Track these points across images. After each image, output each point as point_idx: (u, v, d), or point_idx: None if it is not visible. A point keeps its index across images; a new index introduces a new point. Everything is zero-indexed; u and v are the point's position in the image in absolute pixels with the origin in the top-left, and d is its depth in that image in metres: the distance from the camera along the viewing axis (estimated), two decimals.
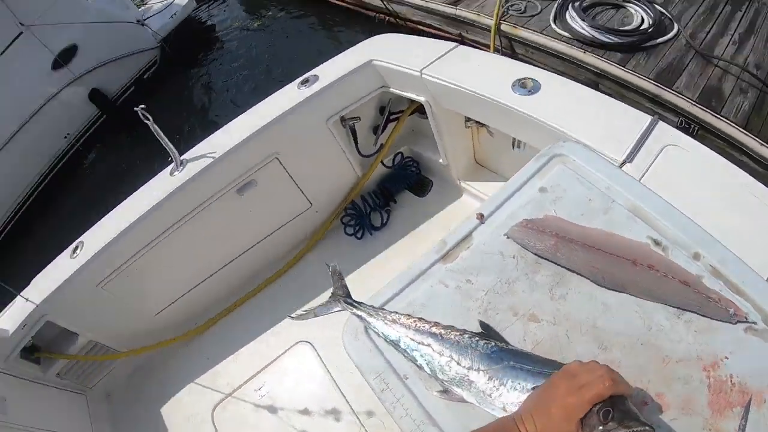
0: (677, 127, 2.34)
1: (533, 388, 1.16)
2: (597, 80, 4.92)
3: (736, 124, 4.22)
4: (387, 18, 7.11)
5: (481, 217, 1.51)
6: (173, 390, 3.25)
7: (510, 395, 1.19)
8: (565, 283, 1.41)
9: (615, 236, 1.47)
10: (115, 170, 9.35)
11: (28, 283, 3.00)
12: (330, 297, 1.55)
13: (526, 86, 2.25)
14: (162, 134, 2.74)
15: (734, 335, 1.37)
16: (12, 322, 2.85)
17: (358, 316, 1.43)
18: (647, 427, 1.00)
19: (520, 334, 1.34)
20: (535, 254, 1.44)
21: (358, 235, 3.23)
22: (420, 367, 1.31)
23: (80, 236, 3.02)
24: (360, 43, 2.95)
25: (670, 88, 4.51)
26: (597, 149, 1.83)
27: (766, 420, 1.28)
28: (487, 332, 1.32)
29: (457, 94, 2.41)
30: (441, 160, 3.06)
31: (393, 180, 3.30)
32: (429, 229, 3.13)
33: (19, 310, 2.88)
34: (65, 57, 9.14)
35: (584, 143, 1.81)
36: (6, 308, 3.02)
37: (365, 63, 2.72)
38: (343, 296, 1.51)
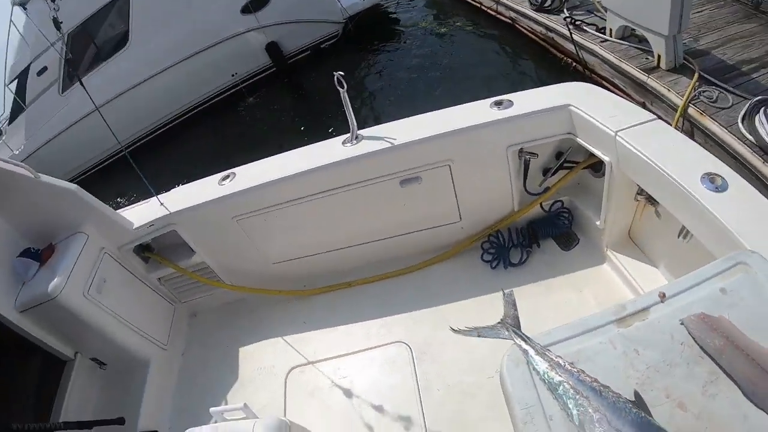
0: None
1: None
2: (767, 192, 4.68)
3: None
4: (574, 64, 7.01)
5: (663, 297, 1.54)
6: (258, 337, 3.40)
7: None
8: (718, 384, 1.42)
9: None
10: (270, 120, 9.79)
11: (164, 186, 3.28)
12: (499, 323, 1.59)
13: (714, 182, 2.22)
14: (349, 104, 2.87)
15: None
16: (140, 218, 3.09)
17: (523, 350, 1.47)
18: None
19: (666, 415, 1.36)
20: (702, 348, 1.45)
21: (493, 265, 3.25)
22: (569, 415, 1.35)
23: (229, 167, 3.23)
24: (560, 84, 2.98)
25: None
26: None
27: None
28: (639, 404, 1.34)
29: (643, 166, 2.40)
30: (598, 223, 3.03)
31: (543, 224, 3.30)
32: (562, 284, 3.08)
33: (151, 210, 3.11)
34: (256, 5, 9.72)
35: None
36: (140, 203, 3.29)
37: (562, 105, 2.74)
38: (513, 326, 1.56)
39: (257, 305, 3.58)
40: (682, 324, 1.49)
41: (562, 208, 3.30)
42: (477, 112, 2.88)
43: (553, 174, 3.12)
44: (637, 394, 1.37)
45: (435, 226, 3.30)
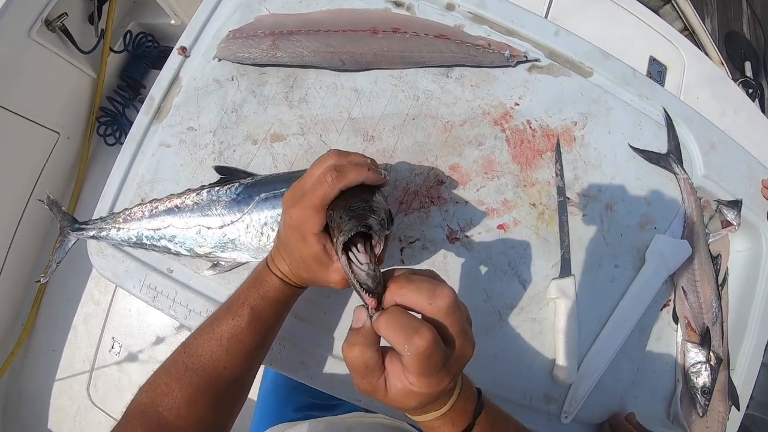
0: None
1: None
2: None
3: None
4: None
5: (183, 51, 1.17)
6: (44, 402, 2.81)
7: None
8: (300, 84, 1.15)
9: (344, 10, 1.21)
10: None
11: None
12: (59, 235, 1.18)
13: None
14: None
15: (518, 78, 1.22)
16: None
17: (94, 237, 1.09)
18: (369, 226, 0.67)
19: (269, 161, 1.09)
20: (254, 65, 1.15)
21: (122, 140, 2.79)
22: (177, 254, 1.04)
23: None
24: None
25: None
26: None
27: (582, 157, 1.18)
28: (230, 175, 1.05)
29: None
30: (172, 21, 2.67)
31: (133, 65, 2.85)
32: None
33: None
34: None
35: None
36: None
37: None
38: (69, 225, 1.14)
39: (14, 385, 2.81)
40: (219, 60, 1.16)
41: (137, 36, 2.84)
42: None
43: (100, 15, 2.56)
44: (218, 168, 1.06)
45: (45, 160, 2.61)
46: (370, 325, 0.62)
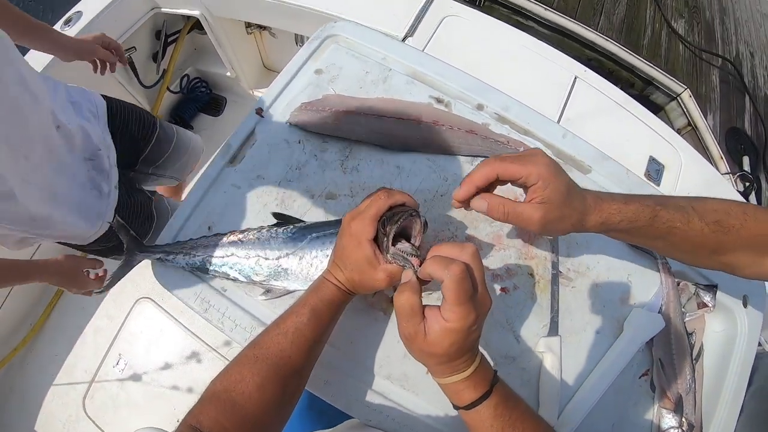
0: (463, 0, 2.29)
1: None
2: None
3: None
4: None
5: (261, 112, 1.44)
6: (36, 403, 2.86)
7: (325, 263, 1.18)
8: (354, 156, 1.40)
9: (396, 101, 1.48)
10: None
11: None
12: (125, 254, 1.31)
13: None
14: None
15: None
16: None
17: (159, 260, 1.27)
18: (413, 212, 1.02)
19: (320, 213, 1.32)
20: (319, 133, 1.41)
21: None
22: (235, 280, 1.25)
23: None
24: None
25: None
26: (377, 29, 1.78)
27: (575, 238, 1.38)
28: (285, 220, 1.27)
29: (234, 2, 2.27)
30: (228, 73, 2.91)
31: (184, 105, 3.11)
32: None
33: None
34: None
35: (362, 24, 1.76)
36: None
37: None
38: (136, 247, 1.32)
39: (10, 378, 2.94)
40: (290, 125, 1.42)
41: (193, 80, 3.12)
42: None
43: (164, 56, 2.85)
44: (276, 215, 1.30)
45: None
46: (416, 278, 0.90)
